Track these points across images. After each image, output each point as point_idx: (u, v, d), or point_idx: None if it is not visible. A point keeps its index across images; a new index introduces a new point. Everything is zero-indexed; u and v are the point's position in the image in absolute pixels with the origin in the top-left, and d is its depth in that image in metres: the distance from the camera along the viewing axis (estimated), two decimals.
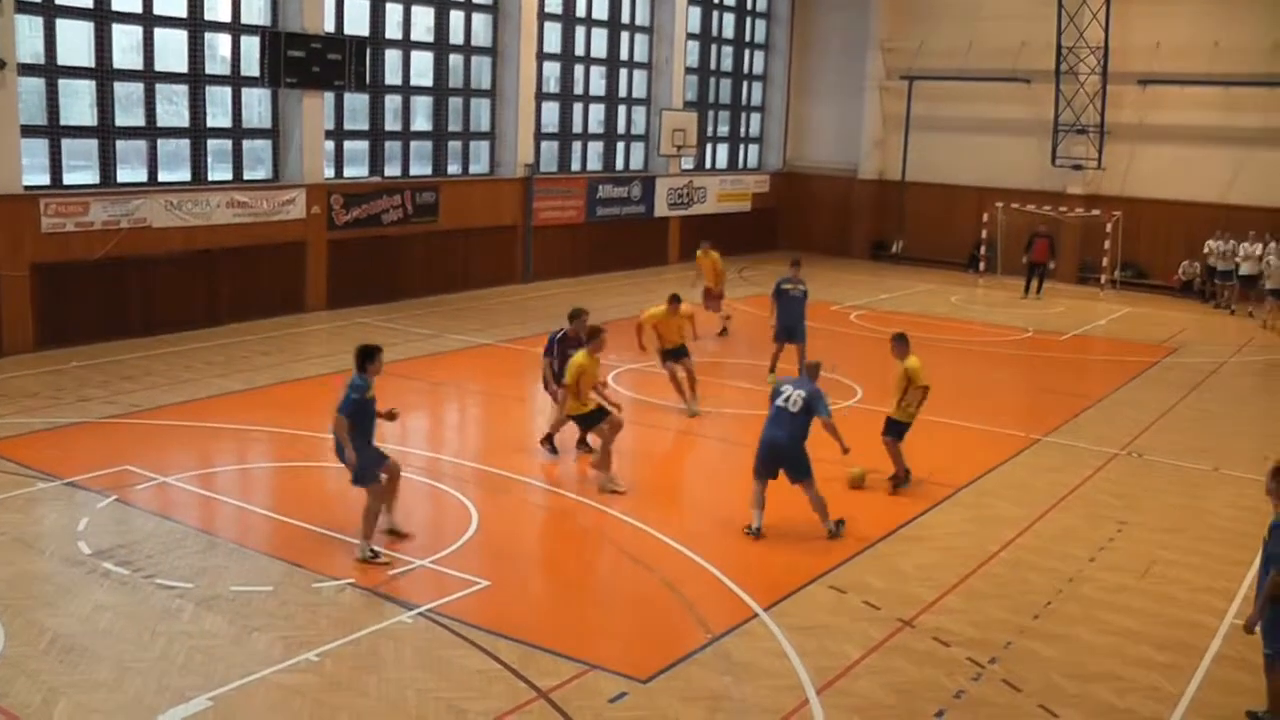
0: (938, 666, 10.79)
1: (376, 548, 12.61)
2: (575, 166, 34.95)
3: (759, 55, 42.36)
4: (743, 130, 42.31)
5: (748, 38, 41.66)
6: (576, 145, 35.05)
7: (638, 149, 37.18)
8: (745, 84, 42.00)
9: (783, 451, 13.68)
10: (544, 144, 33.52)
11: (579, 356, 15.20)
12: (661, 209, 36.97)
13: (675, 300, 19.19)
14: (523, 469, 16.11)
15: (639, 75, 36.82)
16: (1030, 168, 37.83)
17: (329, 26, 26.97)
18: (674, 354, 19.17)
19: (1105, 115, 36.10)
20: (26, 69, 22.13)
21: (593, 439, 15.85)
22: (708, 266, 25.50)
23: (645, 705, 9.84)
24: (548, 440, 16.62)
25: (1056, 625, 11.80)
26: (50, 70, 22.77)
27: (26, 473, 15.14)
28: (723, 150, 41.54)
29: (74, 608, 11.41)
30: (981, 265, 38.00)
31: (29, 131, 22.26)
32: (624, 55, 36.13)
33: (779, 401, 13.80)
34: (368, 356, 12.56)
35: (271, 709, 9.66)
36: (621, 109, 36.42)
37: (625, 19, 35.87)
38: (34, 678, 10.02)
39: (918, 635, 11.40)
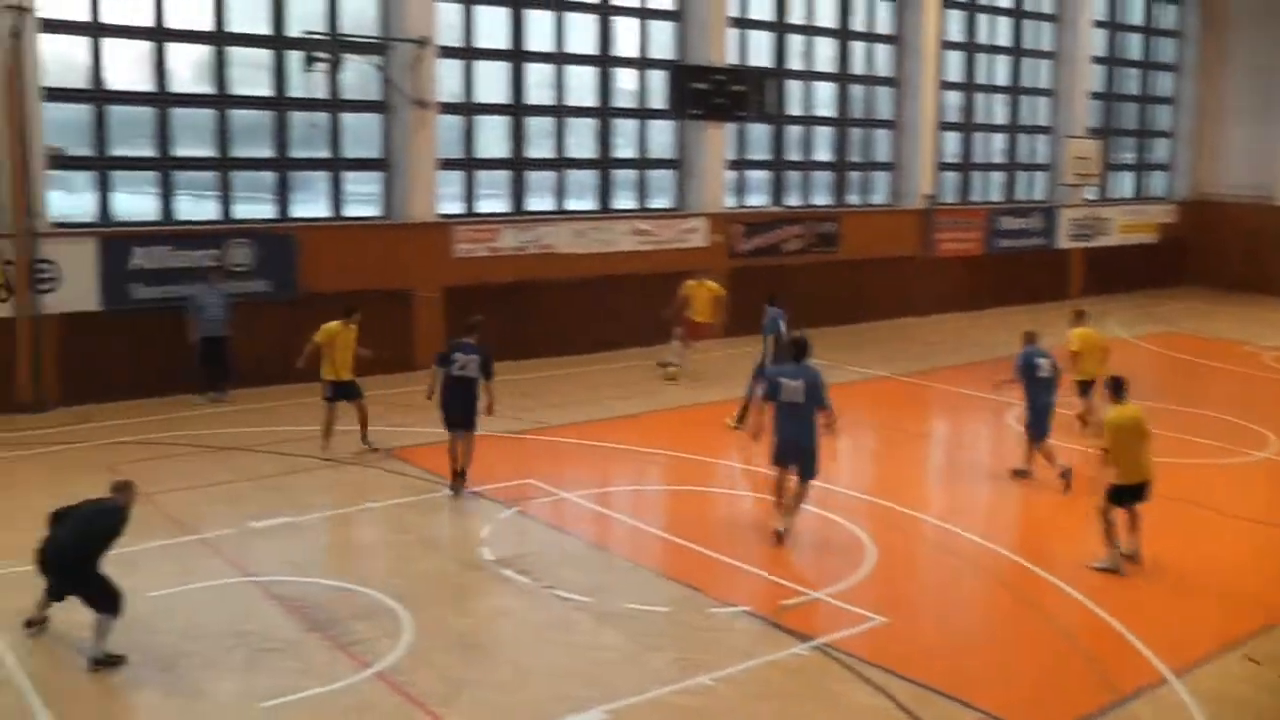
0: None
1: None
2: (976, 197, 33.86)
3: (1166, 77, 39.71)
4: (1148, 157, 39.90)
5: (1154, 59, 39.31)
6: (977, 175, 34.01)
7: (1039, 179, 35.63)
8: (1151, 108, 39.57)
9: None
10: (945, 174, 32.66)
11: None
12: (1064, 241, 35.29)
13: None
14: (919, 505, 15.42)
15: (1042, 102, 35.40)
16: None
17: (733, 59, 27.18)
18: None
19: None
20: (447, 107, 23.42)
21: None
22: (704, 298, 22.88)
23: None
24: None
25: None
26: (467, 107, 24.03)
27: (433, 479, 15.68)
28: (1127, 179, 39.22)
29: (477, 609, 11.66)
30: None
31: (446, 164, 23.53)
32: (1026, 82, 34.82)
33: None
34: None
35: None
36: (1023, 138, 35.11)
37: (1028, 45, 34.59)
38: (438, 671, 10.23)
39: None
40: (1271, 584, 12.91)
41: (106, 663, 10.05)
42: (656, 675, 10.27)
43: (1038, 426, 16.32)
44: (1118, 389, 13.20)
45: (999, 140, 34.67)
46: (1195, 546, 13.99)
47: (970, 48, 33.06)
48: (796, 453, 13.49)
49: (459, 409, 15.17)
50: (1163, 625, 11.68)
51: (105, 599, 10.12)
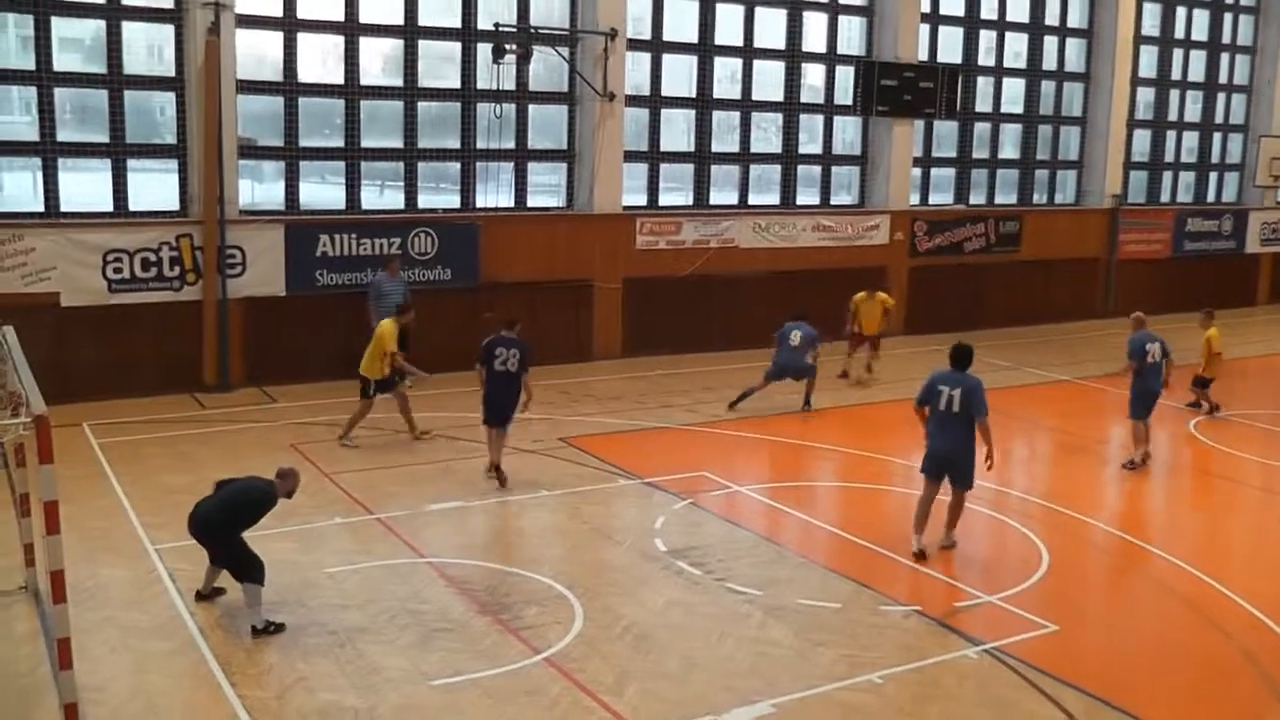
0: None
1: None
2: (1164, 198, 32.60)
3: None
4: None
5: None
6: (1167, 175, 32.72)
7: (1231, 180, 34.11)
8: None
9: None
10: (1133, 173, 31.51)
11: None
12: (1253, 245, 33.73)
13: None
14: (1094, 512, 14.86)
15: (1237, 100, 33.86)
16: None
17: (922, 55, 26.69)
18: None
19: None
20: (632, 100, 23.43)
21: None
22: (874, 311, 22.07)
23: None
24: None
25: None
26: (653, 100, 24.03)
27: (609, 469, 15.69)
28: None
29: (648, 599, 11.54)
30: None
31: (631, 156, 23.57)
32: (1222, 79, 33.35)
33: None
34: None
35: None
36: (1216, 136, 33.64)
37: (1225, 39, 33.10)
38: (607, 659, 10.17)
39: None
40: None
41: (265, 630, 10.32)
42: (824, 671, 10.10)
43: (1139, 406, 16.85)
44: None
45: (1190, 139, 33.31)
46: None
47: (1164, 42, 31.84)
48: (948, 465, 12.99)
49: (499, 404, 15.02)
50: None
51: (246, 566, 10.45)
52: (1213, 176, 33.86)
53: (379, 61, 21.70)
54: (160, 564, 12.03)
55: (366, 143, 21.27)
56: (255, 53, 20.27)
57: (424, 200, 21.92)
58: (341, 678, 9.62)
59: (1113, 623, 11.83)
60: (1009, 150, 29.48)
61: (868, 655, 10.41)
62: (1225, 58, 33.31)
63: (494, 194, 22.28)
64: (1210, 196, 33.81)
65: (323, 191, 21.64)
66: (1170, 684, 10.37)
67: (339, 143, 21.09)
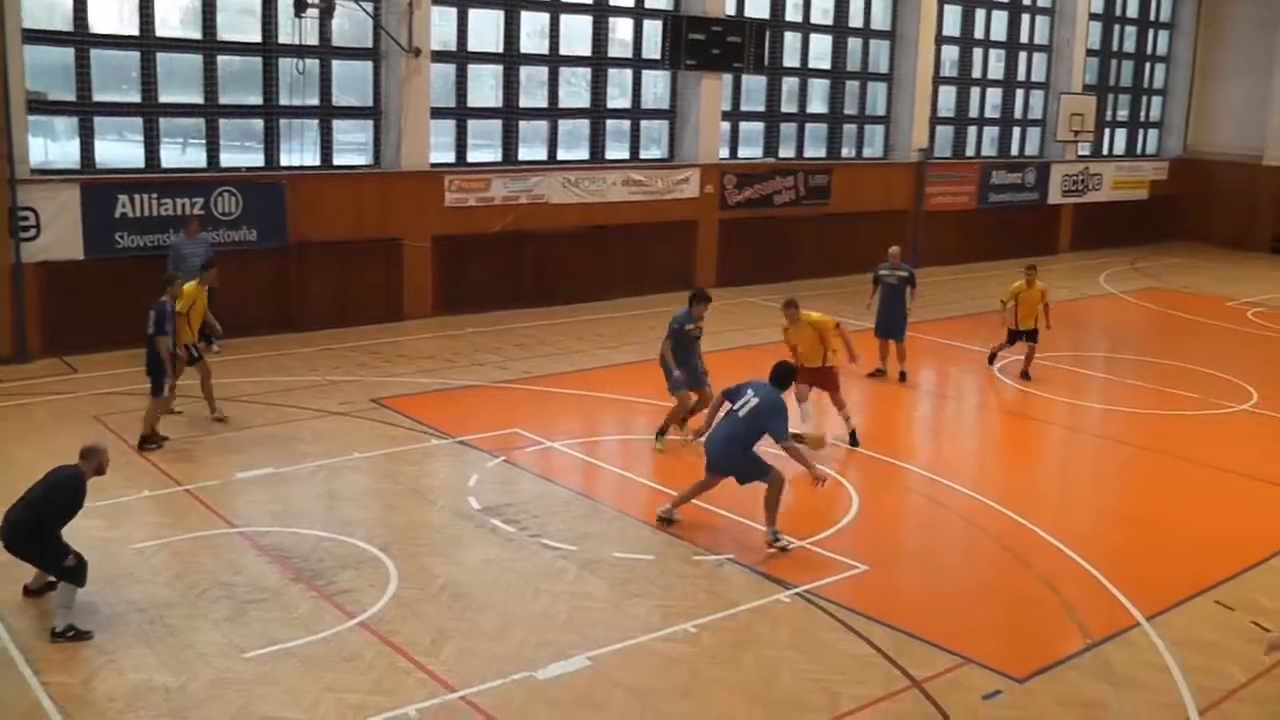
0: None
1: (780, 535, 12.21)
2: (969, 152, 33.72)
3: (1163, 35, 39.51)
4: (1142, 115, 39.71)
5: (1152, 16, 38.96)
6: (971, 130, 33.83)
7: (1033, 134, 35.51)
8: (1148, 66, 39.30)
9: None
10: (939, 129, 32.50)
11: None
12: (1055, 196, 35.22)
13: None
14: (905, 455, 15.56)
15: (1038, 58, 35.16)
16: None
17: (730, 10, 26.98)
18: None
19: None
20: (439, 55, 23.15)
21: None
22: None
23: (1020, 705, 9.25)
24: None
25: None
26: (460, 56, 23.78)
27: (422, 429, 15.67)
28: (1120, 136, 39.09)
29: (463, 558, 11.65)
30: None
31: (438, 113, 23.34)
32: (1024, 38, 34.57)
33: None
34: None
35: (648, 674, 9.53)
36: (1019, 93, 34.90)
37: (1026, 1, 34.33)
38: (423, 619, 10.26)
39: None
40: (1245, 530, 13.13)
41: (65, 636, 9.72)
42: (640, 623, 10.33)
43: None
44: None
45: (994, 95, 34.48)
46: (1172, 496, 14.40)
47: (968, 2, 32.79)
48: (725, 466, 12.45)
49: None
50: (1138, 572, 11.89)
51: (65, 570, 9.84)
52: (1016, 131, 35.14)
53: (177, 13, 20.97)
54: None
55: (165, 98, 20.60)
56: (44, 0, 19.44)
57: (227, 159, 21.35)
58: (152, 656, 9.48)
59: (922, 561, 12.41)
60: (817, 105, 30.04)
61: (682, 605, 10.67)
62: (1026, 18, 34.60)
63: (299, 152, 21.89)
64: (1014, 151, 35.05)
65: (121, 149, 20.85)
66: (978, 616, 10.90)
67: (136, 98, 20.38)
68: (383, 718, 8.65)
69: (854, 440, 15.61)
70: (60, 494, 9.97)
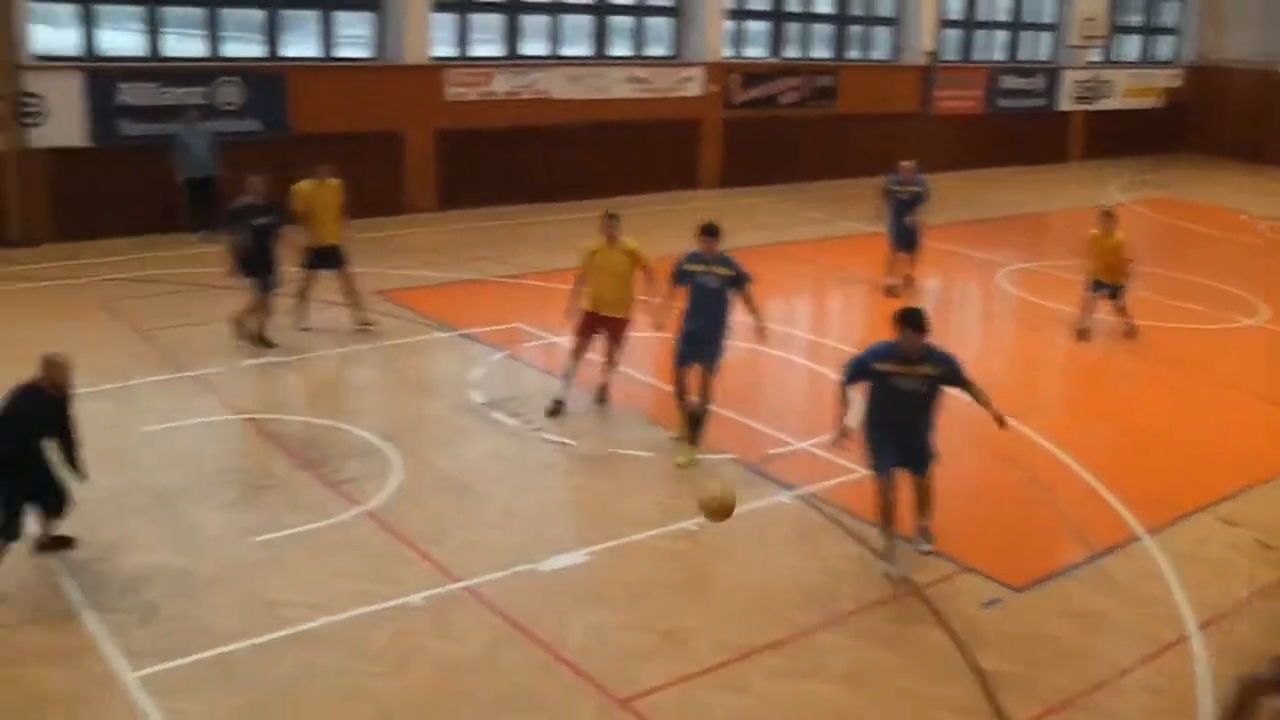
0: None
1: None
2: (978, 56, 33.28)
3: None
4: (1156, 21, 39.10)
5: None
6: (981, 34, 33.38)
7: (1045, 39, 34.97)
8: None
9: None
10: (948, 31, 32.04)
11: None
12: (1066, 103, 34.87)
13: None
14: None
15: None
16: None
17: None
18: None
19: None
20: None
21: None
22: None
23: (1018, 614, 9.25)
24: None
25: None
26: None
27: (425, 322, 15.80)
28: (1134, 42, 38.47)
29: (465, 451, 11.79)
30: None
31: (440, 6, 23.16)
32: None
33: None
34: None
35: (648, 569, 9.65)
36: None
37: None
38: (427, 511, 10.41)
39: None
40: (1251, 449, 13.00)
41: (51, 546, 9.30)
42: (640, 519, 10.43)
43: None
44: None
45: None
46: (1177, 410, 14.25)
47: None
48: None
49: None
50: (1140, 485, 11.81)
51: (51, 498, 9.15)
52: (1026, 36, 34.52)
53: None
54: None
55: None
56: None
57: (229, 50, 21.24)
58: (162, 538, 9.69)
59: None
60: (824, 5, 29.64)
61: (683, 503, 10.64)
62: None
63: (300, 44, 21.75)
64: (1024, 55, 34.53)
65: (122, 39, 20.72)
66: (978, 524, 10.89)
67: None
68: (388, 605, 8.82)
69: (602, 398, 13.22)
70: (44, 417, 9.00)
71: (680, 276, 11.78)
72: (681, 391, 11.91)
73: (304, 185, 15.10)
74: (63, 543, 9.38)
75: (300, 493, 10.66)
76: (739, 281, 11.64)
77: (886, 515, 9.75)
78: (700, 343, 11.74)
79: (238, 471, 11.03)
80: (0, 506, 8.85)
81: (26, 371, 9.00)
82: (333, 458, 11.39)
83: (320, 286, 15.36)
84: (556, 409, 12.71)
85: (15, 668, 7.99)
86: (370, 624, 8.59)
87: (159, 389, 13.08)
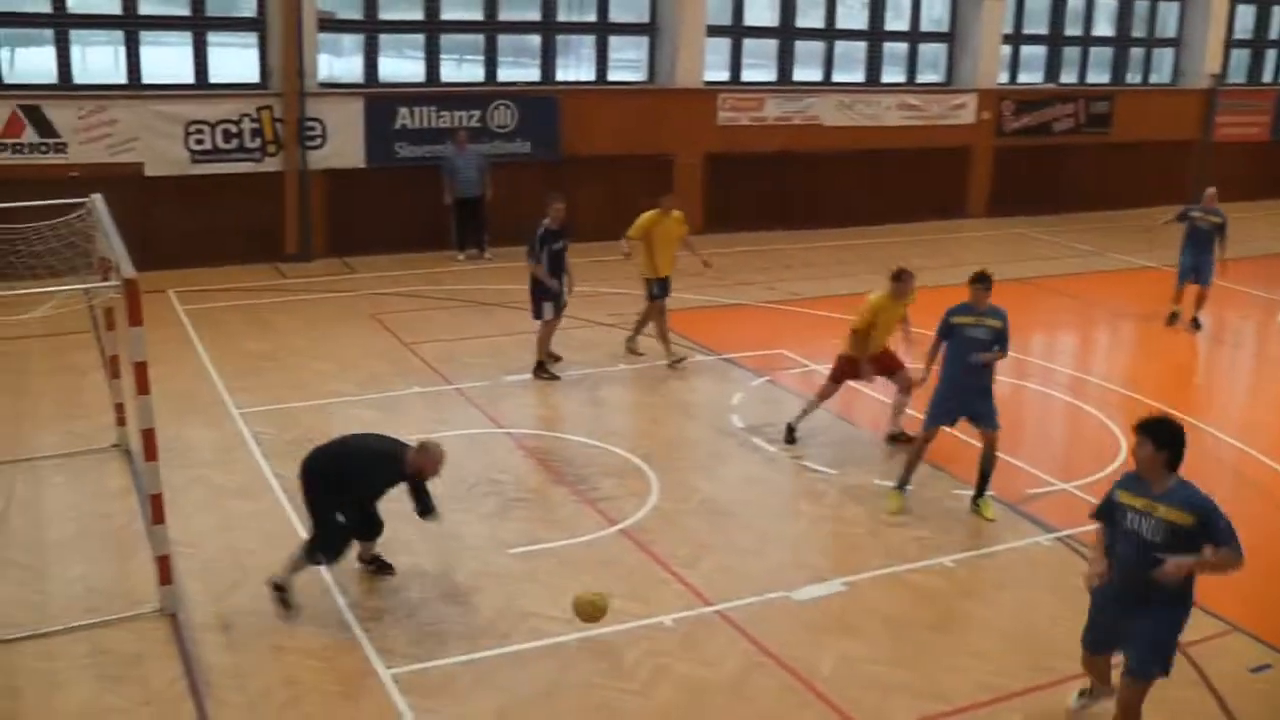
0: None
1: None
2: (1267, 78, 31.34)
3: None
4: None
5: None
6: (1271, 54, 31.34)
7: None
8: None
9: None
10: (1234, 52, 30.23)
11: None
12: None
13: None
14: (1176, 402, 14.38)
15: None
16: None
17: None
18: None
19: None
20: None
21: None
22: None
23: None
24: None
25: None
26: None
27: (687, 345, 15.67)
28: None
29: (724, 475, 11.62)
30: None
31: (714, 31, 23.22)
32: None
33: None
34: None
35: (903, 604, 9.30)
36: None
37: None
38: (683, 532, 10.27)
39: None
40: None
41: (276, 589, 8.77)
42: (897, 552, 10.11)
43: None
44: None
45: None
46: None
47: None
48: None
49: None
50: None
51: (318, 542, 8.84)
52: None
53: None
54: (244, 427, 12.29)
55: (446, 15, 21.09)
56: None
57: (503, 75, 21.75)
58: (421, 543, 9.78)
59: None
60: (1103, 27, 28.54)
61: (940, 539, 10.37)
62: None
63: (574, 68, 22.09)
64: None
65: (401, 65, 21.55)
66: (1253, 583, 9.77)
67: (418, 15, 20.92)
68: (640, 624, 8.70)
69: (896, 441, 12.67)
70: (379, 472, 8.86)
71: (945, 331, 10.98)
72: (919, 456, 11.18)
73: (648, 216, 14.98)
74: (385, 568, 9.39)
75: (557, 508, 10.66)
76: (1003, 342, 10.86)
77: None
78: (969, 398, 10.93)
79: (497, 484, 11.10)
80: (334, 536, 8.80)
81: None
82: (590, 475, 11.36)
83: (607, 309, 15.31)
84: (790, 436, 12.42)
85: (282, 656, 8.21)
86: (621, 641, 8.48)
87: (423, 400, 13.33)
